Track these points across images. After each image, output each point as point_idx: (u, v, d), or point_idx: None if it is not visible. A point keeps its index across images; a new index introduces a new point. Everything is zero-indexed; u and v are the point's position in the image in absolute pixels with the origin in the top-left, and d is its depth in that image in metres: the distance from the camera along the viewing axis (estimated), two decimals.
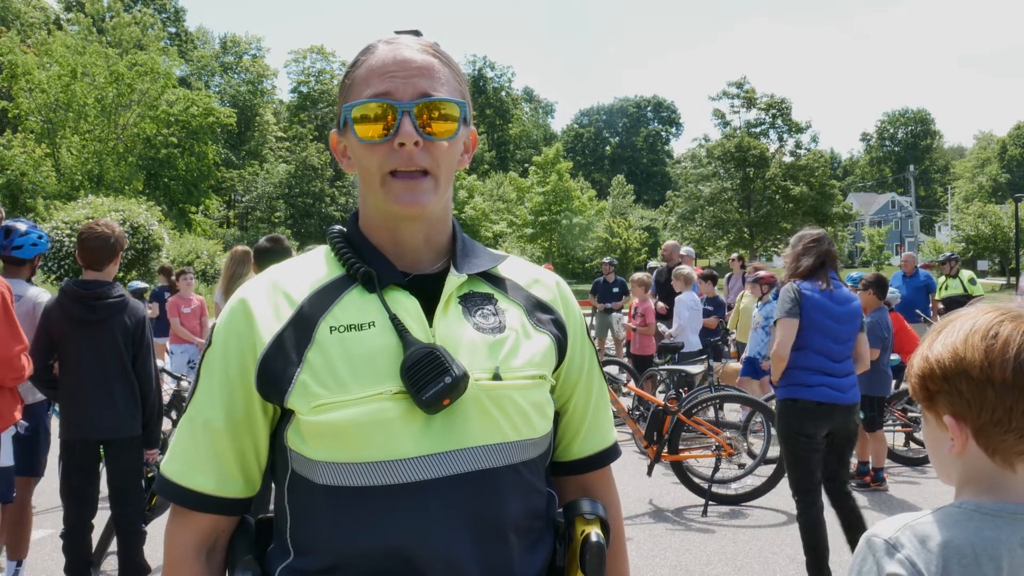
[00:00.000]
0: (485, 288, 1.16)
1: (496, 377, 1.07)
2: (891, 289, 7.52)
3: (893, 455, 6.52)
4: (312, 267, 1.14)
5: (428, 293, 1.11)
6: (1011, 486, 1.04)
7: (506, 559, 1.06)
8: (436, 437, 1.03)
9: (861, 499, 4.49)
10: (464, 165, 1.18)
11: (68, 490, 3.73)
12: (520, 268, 1.23)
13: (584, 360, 1.23)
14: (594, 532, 1.12)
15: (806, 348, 3.89)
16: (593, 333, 12.26)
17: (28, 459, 3.81)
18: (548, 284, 1.23)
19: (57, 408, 5.14)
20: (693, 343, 7.81)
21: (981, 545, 1.00)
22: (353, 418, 1.01)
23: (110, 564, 4.24)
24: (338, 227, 1.19)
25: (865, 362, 4.09)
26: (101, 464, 3.85)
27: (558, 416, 1.21)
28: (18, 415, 3.44)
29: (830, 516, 3.97)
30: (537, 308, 1.18)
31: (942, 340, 1.07)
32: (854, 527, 3.95)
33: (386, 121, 1.07)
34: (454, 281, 1.12)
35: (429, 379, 1.01)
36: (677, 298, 8.12)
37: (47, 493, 5.61)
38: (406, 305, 1.09)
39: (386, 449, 1.02)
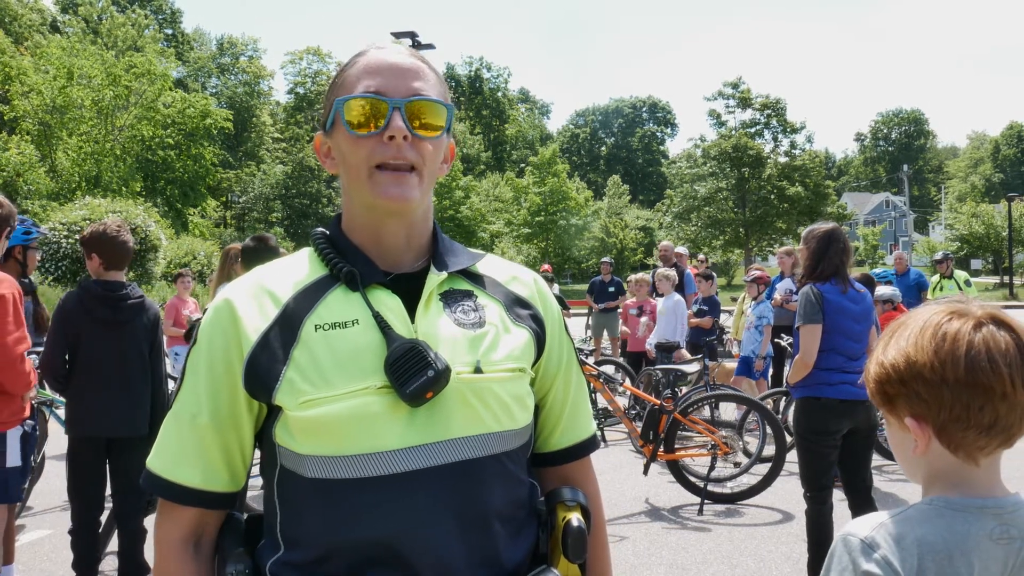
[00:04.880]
0: (465, 285, 1.19)
1: (477, 370, 1.10)
2: (893, 289, 7.55)
3: (881, 450, 6.55)
4: (296, 267, 1.17)
5: (410, 291, 1.14)
6: (975, 481, 1.06)
7: (491, 547, 1.09)
8: (420, 429, 1.06)
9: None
10: (442, 174, 1.21)
11: (77, 488, 3.76)
12: (498, 266, 1.27)
13: (562, 354, 1.26)
14: (575, 517, 1.15)
15: (827, 350, 3.87)
16: (589, 333, 12.30)
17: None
18: (526, 281, 1.26)
19: (54, 408, 5.17)
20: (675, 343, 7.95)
21: (953, 541, 1.02)
22: (339, 413, 1.04)
23: (108, 564, 4.25)
24: (321, 229, 1.22)
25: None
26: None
27: (538, 409, 1.24)
28: (25, 413, 3.44)
29: (836, 516, 3.97)
30: (516, 304, 1.21)
31: (894, 344, 1.09)
32: None
33: (377, 116, 1.11)
34: (435, 279, 1.15)
35: (412, 373, 1.04)
36: (665, 301, 8.19)
37: (45, 494, 5.62)
38: (388, 303, 1.12)
39: (372, 442, 1.05)
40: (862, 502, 3.93)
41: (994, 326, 1.04)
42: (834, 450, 3.90)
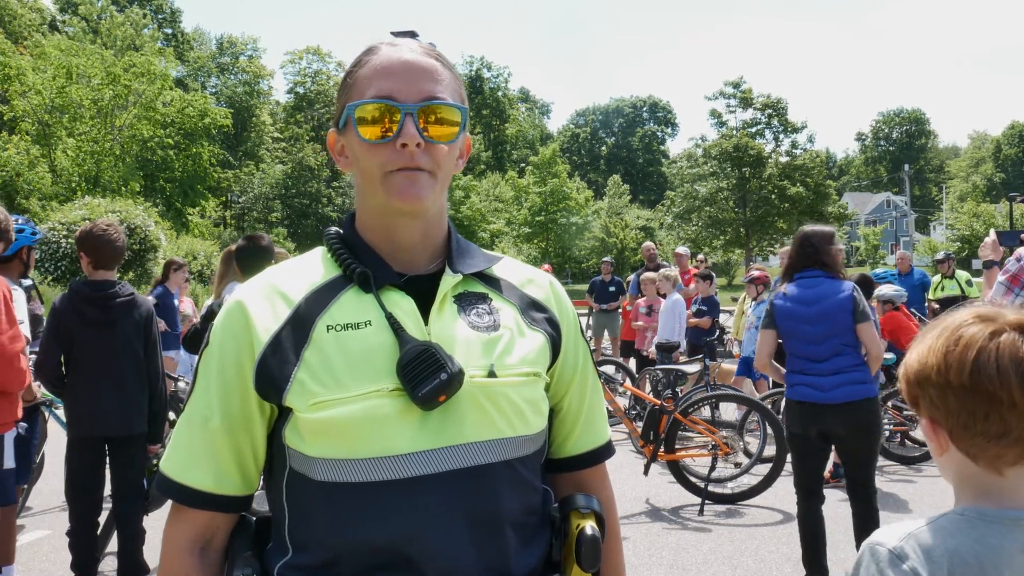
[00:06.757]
0: (480, 288, 1.17)
1: (491, 374, 1.08)
2: (895, 288, 7.51)
3: (888, 453, 6.55)
4: (309, 268, 1.16)
5: (423, 293, 1.12)
6: (1006, 491, 1.03)
7: (502, 554, 1.07)
8: (432, 433, 1.05)
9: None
10: (458, 169, 1.19)
11: (75, 488, 3.76)
12: (514, 268, 1.25)
13: (578, 358, 1.24)
14: (589, 525, 1.13)
15: (790, 354, 4.03)
16: (590, 333, 12.28)
17: (18, 466, 3.80)
18: (542, 284, 1.24)
19: (54, 408, 5.15)
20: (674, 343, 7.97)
21: (985, 554, 0.99)
22: (350, 415, 1.03)
23: (108, 564, 4.24)
24: (334, 228, 1.20)
25: (874, 354, 3.91)
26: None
27: (552, 414, 1.22)
28: (18, 415, 3.44)
29: (832, 512, 3.98)
30: (531, 307, 1.20)
31: (916, 345, 1.08)
32: (866, 529, 3.90)
33: (389, 122, 1.09)
34: (449, 281, 1.13)
35: (425, 376, 1.03)
36: (664, 301, 8.20)
37: (44, 494, 5.61)
38: (402, 304, 1.10)
39: (383, 445, 1.03)
40: (860, 503, 3.94)
41: (1020, 334, 1.01)
42: (810, 451, 3.97)
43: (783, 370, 4.09)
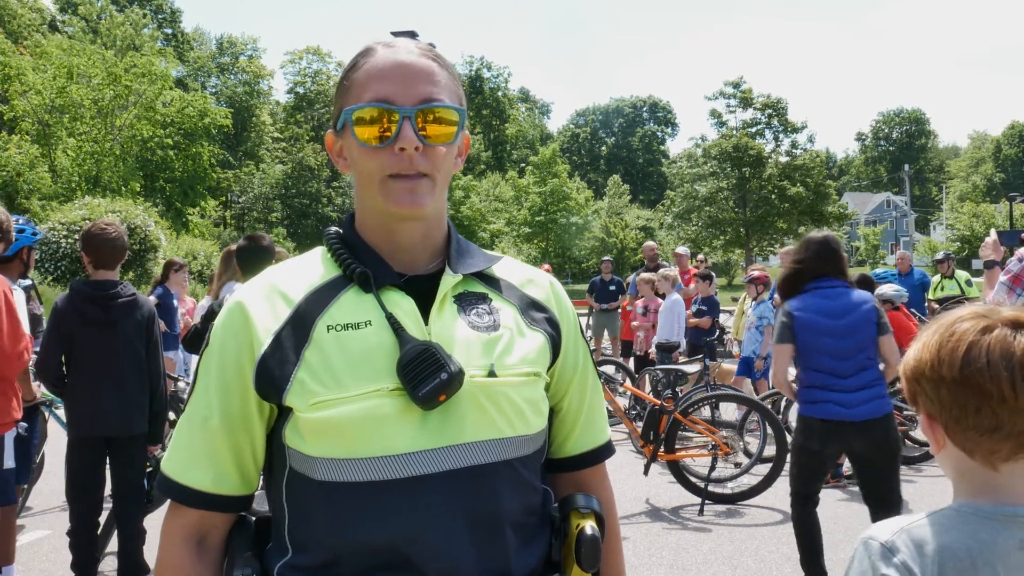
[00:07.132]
0: (479, 288, 1.18)
1: (491, 374, 1.09)
2: (895, 288, 7.50)
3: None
4: (309, 268, 1.16)
5: (423, 293, 1.12)
6: (1002, 487, 1.03)
7: (502, 554, 1.08)
8: (432, 433, 1.05)
9: (849, 494, 4.48)
10: (457, 168, 1.19)
11: (75, 488, 3.76)
12: (514, 268, 1.25)
13: (578, 358, 1.24)
14: (588, 525, 1.13)
15: (809, 368, 3.77)
16: (590, 333, 12.28)
17: (18, 466, 3.80)
18: (542, 284, 1.24)
19: (54, 408, 5.16)
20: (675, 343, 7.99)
21: (977, 549, 0.99)
22: (350, 415, 1.03)
23: (108, 564, 4.24)
24: (334, 228, 1.20)
25: (893, 365, 3.76)
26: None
27: (552, 414, 1.22)
28: (18, 414, 3.45)
29: (832, 512, 3.95)
30: (531, 307, 1.20)
31: (915, 342, 1.10)
32: None
33: (386, 125, 1.08)
34: (449, 281, 1.13)
35: (425, 376, 1.03)
36: (664, 301, 8.22)
37: (44, 494, 5.61)
38: (402, 304, 1.10)
39: (383, 445, 1.03)
40: (879, 511, 3.73)
41: (1011, 329, 1.02)
42: (817, 466, 3.83)
43: (795, 387, 3.88)
